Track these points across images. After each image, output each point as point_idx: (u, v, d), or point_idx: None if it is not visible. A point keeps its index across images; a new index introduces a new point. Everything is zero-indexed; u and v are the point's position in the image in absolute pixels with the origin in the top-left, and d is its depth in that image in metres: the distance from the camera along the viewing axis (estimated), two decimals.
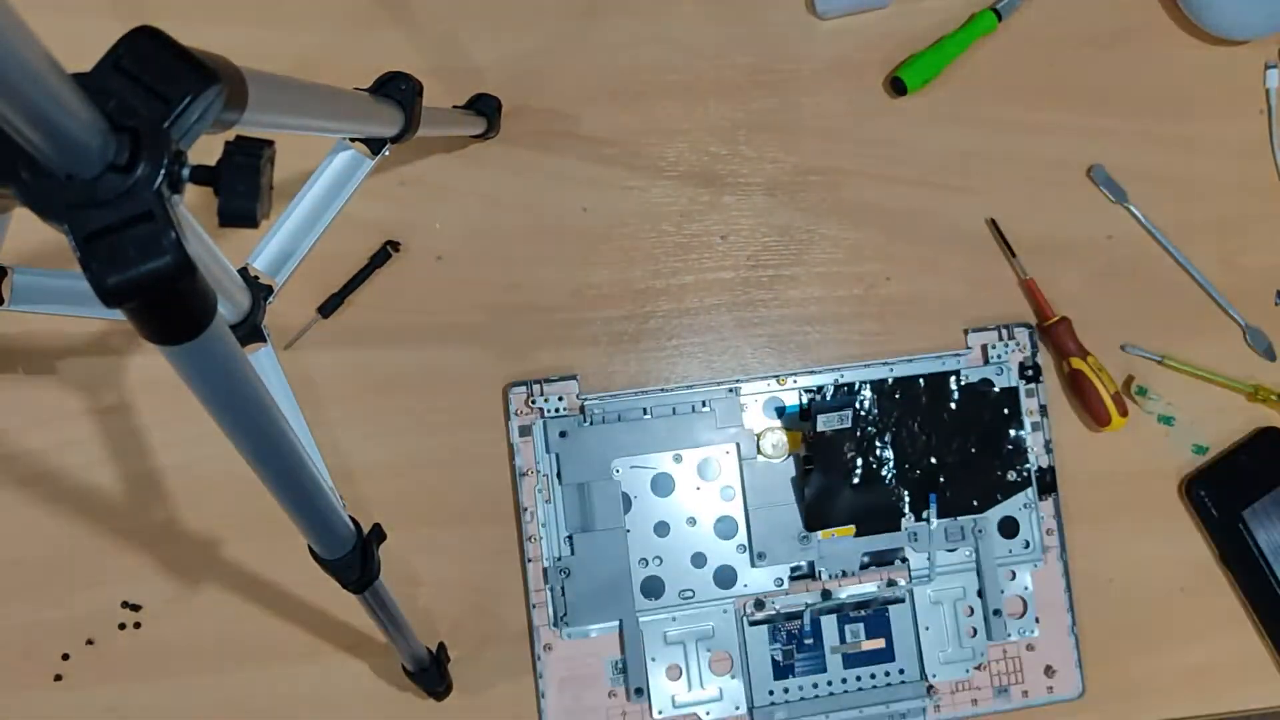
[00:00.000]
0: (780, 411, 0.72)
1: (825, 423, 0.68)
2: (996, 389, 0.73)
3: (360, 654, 0.68)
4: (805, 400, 0.70)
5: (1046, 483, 0.74)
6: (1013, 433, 0.73)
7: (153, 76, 0.31)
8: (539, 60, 0.75)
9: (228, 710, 0.67)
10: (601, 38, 0.75)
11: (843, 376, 0.73)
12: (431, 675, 0.64)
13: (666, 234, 0.74)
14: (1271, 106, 0.80)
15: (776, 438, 0.71)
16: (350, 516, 0.49)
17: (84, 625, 0.67)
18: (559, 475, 0.70)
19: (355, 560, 0.49)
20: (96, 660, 0.67)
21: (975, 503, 0.72)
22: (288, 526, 0.45)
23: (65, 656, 0.66)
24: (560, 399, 0.70)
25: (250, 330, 0.61)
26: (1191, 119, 0.79)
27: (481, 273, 0.72)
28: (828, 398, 0.71)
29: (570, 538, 0.69)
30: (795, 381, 0.72)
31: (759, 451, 0.71)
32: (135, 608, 0.67)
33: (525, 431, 0.70)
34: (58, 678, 0.66)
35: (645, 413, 0.71)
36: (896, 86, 0.76)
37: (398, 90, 0.56)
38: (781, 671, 0.70)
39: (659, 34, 0.76)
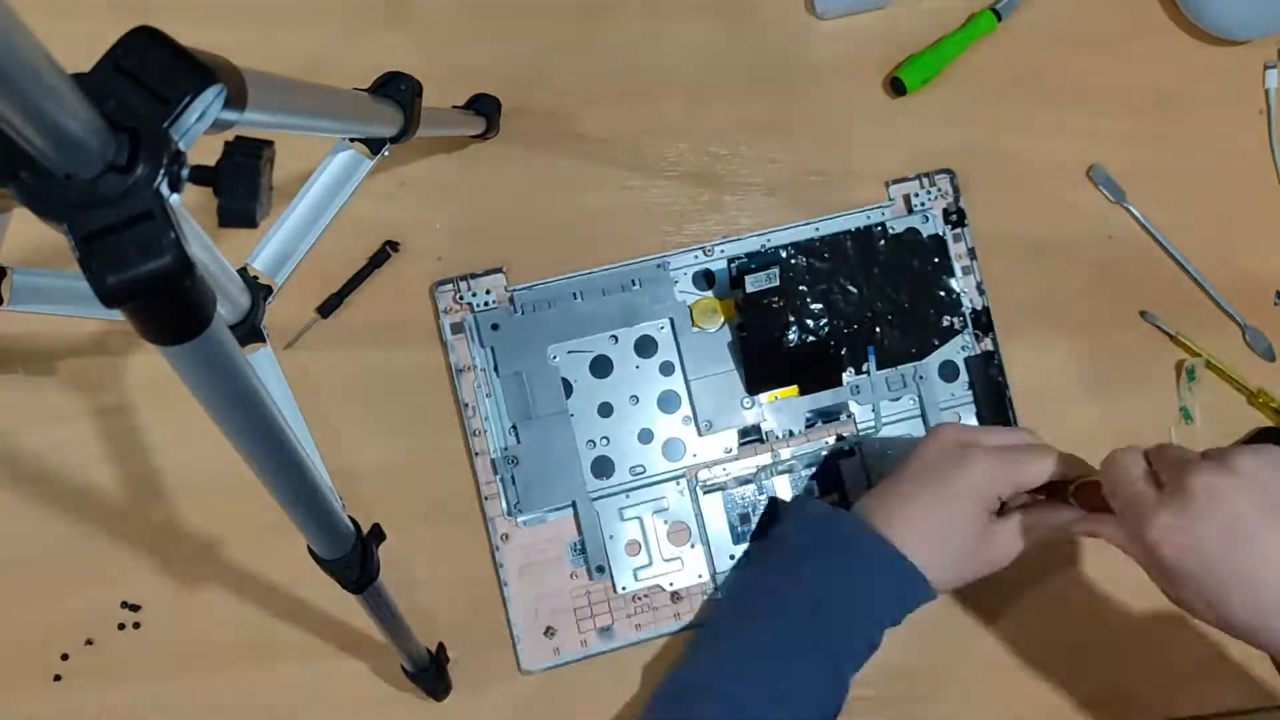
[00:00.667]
0: (710, 281, 0.73)
1: (754, 283, 0.68)
2: (924, 236, 0.74)
3: (360, 654, 0.68)
4: (732, 268, 0.70)
5: (983, 324, 0.74)
6: (944, 278, 0.74)
7: (152, 76, 0.31)
8: (539, 60, 0.75)
9: (228, 710, 0.67)
10: (601, 38, 0.75)
11: (770, 241, 0.73)
12: (431, 675, 0.64)
13: (666, 234, 0.74)
14: (1271, 106, 0.80)
15: (708, 306, 0.72)
16: (350, 516, 0.49)
17: (84, 625, 0.67)
18: (496, 368, 0.70)
19: (355, 560, 0.49)
20: (96, 660, 0.67)
21: (914, 351, 0.74)
22: (288, 526, 0.45)
23: (65, 656, 0.66)
24: (489, 292, 0.71)
25: (250, 330, 0.61)
26: (1191, 119, 0.79)
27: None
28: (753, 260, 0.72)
29: (514, 427, 0.70)
30: (722, 251, 0.73)
31: (693, 323, 0.72)
32: (135, 608, 0.67)
33: (457, 329, 0.71)
34: (57, 678, 0.66)
35: (576, 297, 0.72)
36: (896, 86, 0.76)
37: (397, 90, 0.56)
38: (739, 536, 0.71)
39: (659, 34, 0.76)
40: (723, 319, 0.72)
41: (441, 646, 0.67)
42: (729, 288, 0.71)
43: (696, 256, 0.73)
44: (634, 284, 0.72)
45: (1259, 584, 0.50)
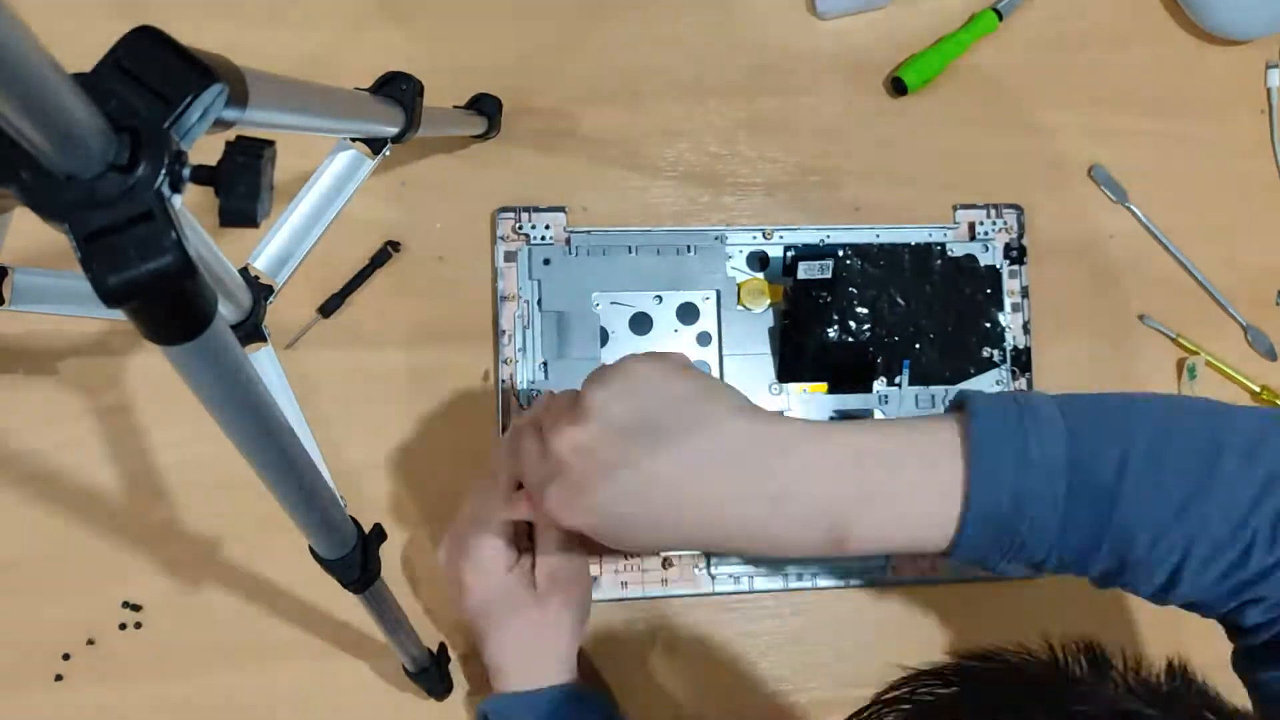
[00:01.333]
0: (763, 264, 0.73)
1: (806, 271, 0.69)
2: (981, 265, 0.74)
3: (360, 654, 0.68)
4: (788, 255, 0.70)
5: (1023, 363, 0.75)
6: (993, 310, 0.74)
7: (153, 76, 0.31)
8: (539, 60, 0.75)
9: (228, 710, 0.67)
10: (601, 38, 0.75)
11: (829, 237, 0.74)
12: (432, 675, 0.64)
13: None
14: (1272, 106, 0.80)
15: (757, 287, 0.72)
16: (351, 516, 0.49)
17: (84, 625, 0.67)
18: (539, 302, 0.71)
19: (356, 560, 0.49)
20: (96, 660, 0.67)
21: (948, 374, 0.74)
22: (288, 526, 0.45)
23: (65, 656, 0.66)
24: (548, 228, 0.72)
25: (251, 330, 0.61)
26: (1191, 119, 0.79)
27: (482, 273, 0.72)
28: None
29: (545, 364, 0.71)
30: (781, 237, 0.73)
31: (739, 300, 0.72)
32: (135, 608, 0.67)
33: (510, 257, 0.71)
34: (58, 678, 0.66)
35: (630, 250, 0.72)
36: (896, 86, 0.76)
37: (398, 90, 0.56)
38: None
39: (659, 34, 0.76)
40: (768, 302, 0.73)
41: (443, 646, 0.67)
42: (780, 274, 0.72)
43: (754, 237, 0.73)
44: (689, 250, 0.73)
45: (654, 516, 0.49)
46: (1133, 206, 0.78)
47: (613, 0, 0.76)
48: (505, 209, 0.71)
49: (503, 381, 0.70)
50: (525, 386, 0.70)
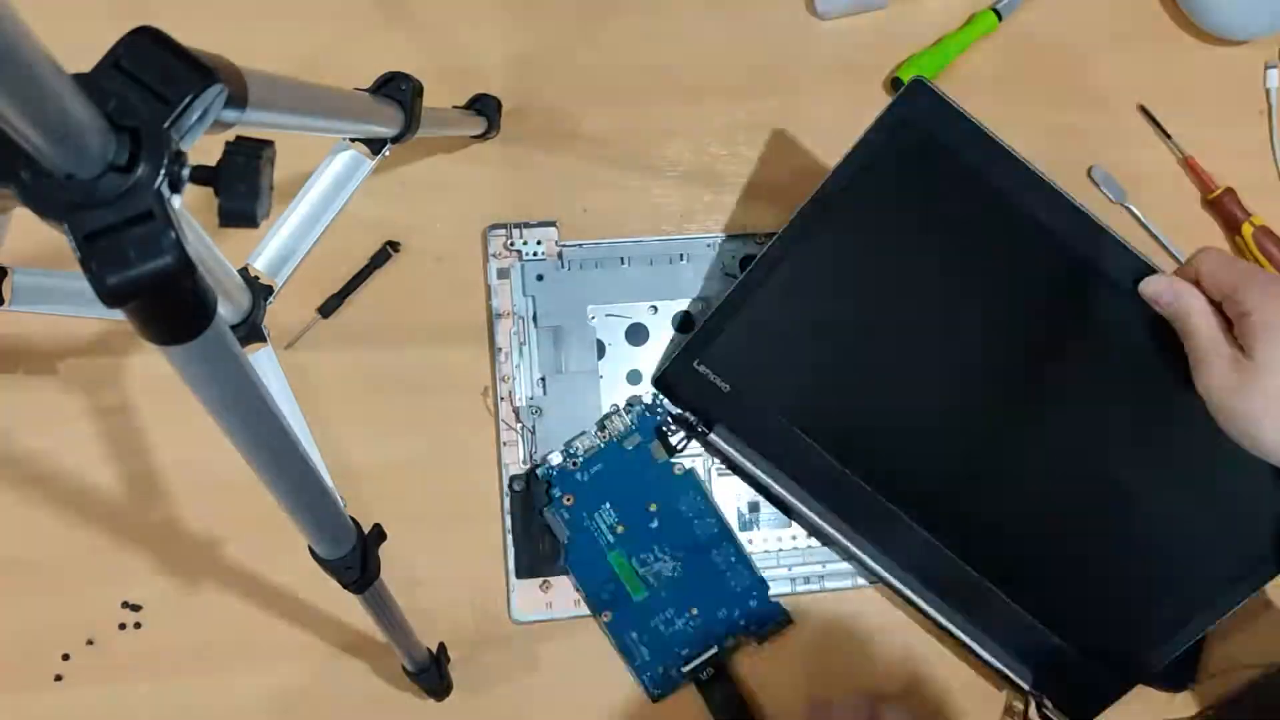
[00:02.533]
0: None
1: None
2: None
3: (360, 654, 0.68)
4: None
5: None
6: None
7: (153, 76, 0.31)
8: (539, 60, 0.75)
9: (227, 711, 0.67)
10: (601, 38, 0.75)
11: None
12: (431, 675, 0.64)
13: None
14: (1272, 106, 0.80)
15: None
16: (350, 516, 0.49)
17: (84, 625, 0.67)
18: (534, 318, 0.71)
19: (355, 560, 0.49)
20: (96, 660, 0.67)
21: None
22: (288, 526, 0.45)
23: (65, 656, 0.66)
24: (539, 243, 0.72)
25: (250, 330, 0.61)
26: (1191, 119, 0.79)
27: (481, 273, 0.72)
28: None
29: (543, 379, 0.71)
30: None
31: None
32: (135, 608, 0.67)
33: (503, 274, 0.72)
34: (58, 678, 0.66)
35: (623, 262, 0.72)
36: (896, 86, 0.76)
37: (398, 90, 0.56)
38: (747, 523, 0.72)
39: (659, 34, 0.76)
40: None
41: (442, 646, 0.67)
42: None
43: (745, 243, 0.73)
44: (682, 258, 0.73)
45: None
46: (1132, 206, 0.78)
47: (613, 0, 0.76)
48: (495, 225, 0.71)
49: (500, 399, 0.70)
50: (524, 403, 0.70)
